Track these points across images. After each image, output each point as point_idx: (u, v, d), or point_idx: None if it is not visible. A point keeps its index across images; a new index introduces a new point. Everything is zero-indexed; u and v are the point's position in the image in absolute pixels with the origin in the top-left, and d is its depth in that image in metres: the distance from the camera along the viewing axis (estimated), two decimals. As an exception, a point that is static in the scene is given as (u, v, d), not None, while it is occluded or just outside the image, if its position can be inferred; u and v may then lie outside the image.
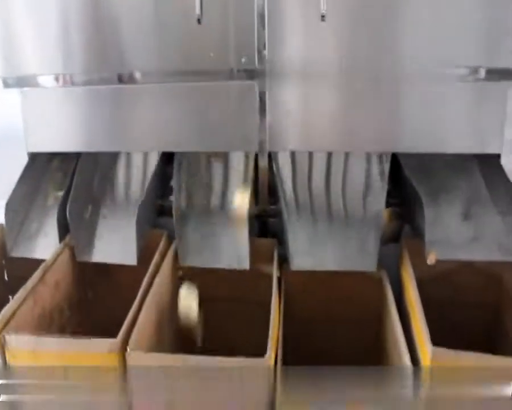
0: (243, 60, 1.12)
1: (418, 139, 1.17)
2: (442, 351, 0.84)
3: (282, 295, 1.07)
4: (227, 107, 1.17)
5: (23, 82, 1.22)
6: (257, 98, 1.14)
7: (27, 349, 0.87)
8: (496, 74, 1.10)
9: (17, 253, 1.19)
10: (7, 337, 0.88)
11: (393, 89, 1.13)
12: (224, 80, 1.14)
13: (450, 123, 1.16)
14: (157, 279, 1.02)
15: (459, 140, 1.17)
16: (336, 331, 1.17)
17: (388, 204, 1.21)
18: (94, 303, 1.19)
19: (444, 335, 0.87)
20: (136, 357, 0.84)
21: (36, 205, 1.26)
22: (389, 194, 1.20)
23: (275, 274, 1.05)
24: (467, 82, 1.11)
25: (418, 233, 1.11)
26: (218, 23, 1.10)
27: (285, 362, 0.96)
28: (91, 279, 1.22)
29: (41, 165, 1.31)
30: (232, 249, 1.10)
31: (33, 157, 1.28)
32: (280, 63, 1.12)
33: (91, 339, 0.87)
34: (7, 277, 1.30)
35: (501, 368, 0.85)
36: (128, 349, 0.84)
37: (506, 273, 1.15)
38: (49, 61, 1.20)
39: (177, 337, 1.12)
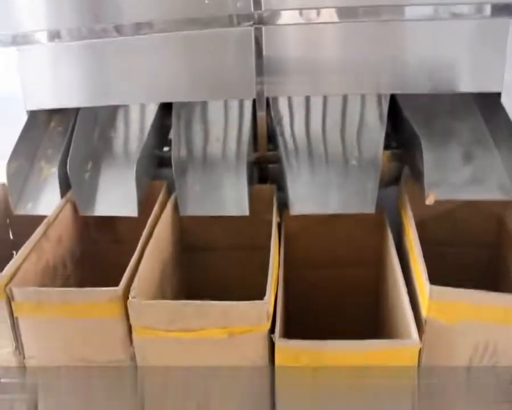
0: (238, 4, 1.09)
1: (417, 79, 1.15)
2: (441, 289, 0.85)
3: (282, 240, 1.08)
4: (223, 54, 1.15)
5: (19, 40, 1.19)
6: (254, 44, 1.12)
7: (32, 301, 0.90)
8: (496, 10, 1.07)
9: (21, 211, 1.20)
10: (13, 290, 0.90)
11: (393, 28, 1.10)
12: (220, 27, 1.11)
13: (450, 62, 1.13)
14: (157, 229, 1.04)
15: (459, 80, 1.15)
16: (337, 275, 1.19)
17: (387, 147, 1.20)
18: (98, 256, 1.21)
19: (445, 275, 0.88)
20: (138, 305, 0.86)
21: (37, 164, 1.27)
22: (388, 136, 1.20)
23: (275, 219, 1.06)
24: (467, 19, 1.08)
25: (417, 175, 1.11)
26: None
27: (286, 307, 0.98)
28: (95, 234, 1.23)
29: (41, 123, 1.31)
30: (232, 196, 1.10)
31: (33, 115, 1.27)
32: (276, 6, 1.09)
33: (93, 288, 0.88)
34: (12, 235, 1.32)
35: (501, 305, 0.86)
36: (130, 297, 0.86)
37: (507, 212, 1.15)
38: (42, 17, 1.17)
39: (181, 288, 1.15)
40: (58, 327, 0.92)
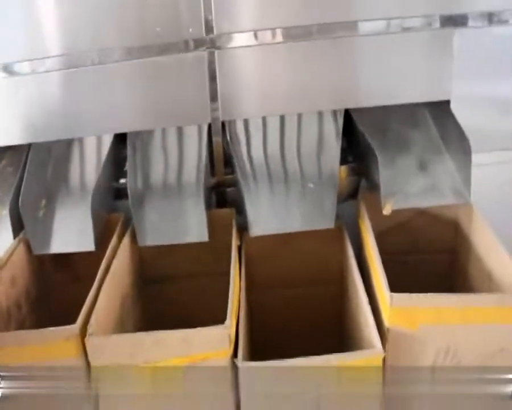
0: (190, 30, 1.10)
1: (370, 93, 1.18)
2: (401, 295, 0.86)
3: (243, 263, 1.07)
4: (176, 81, 1.15)
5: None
6: (207, 68, 1.13)
7: None
8: (442, 22, 1.11)
9: (-28, 254, 1.16)
10: None
11: (346, 44, 1.13)
12: (173, 53, 1.12)
13: (401, 74, 1.16)
14: (114, 262, 1.01)
15: (410, 91, 1.18)
16: (300, 292, 1.19)
17: (345, 161, 1.22)
18: (56, 296, 1.17)
19: (407, 284, 0.89)
20: (96, 342, 0.83)
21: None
22: (345, 151, 1.21)
23: (234, 242, 1.05)
24: (416, 31, 1.12)
25: (374, 187, 1.12)
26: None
27: (251, 329, 0.96)
28: (51, 273, 1.19)
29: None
30: (191, 223, 1.09)
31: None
32: (228, 29, 1.10)
33: (49, 328, 0.85)
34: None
35: (458, 306, 0.87)
36: (87, 335, 0.83)
37: (461, 216, 1.17)
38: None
39: (143, 321, 1.12)
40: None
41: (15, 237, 1.14)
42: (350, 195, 1.23)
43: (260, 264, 1.15)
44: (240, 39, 1.12)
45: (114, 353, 0.83)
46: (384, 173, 1.08)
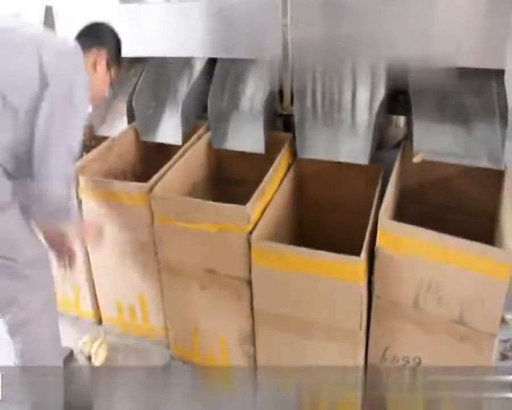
0: None
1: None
2: (389, 222, 1.03)
3: (291, 178, 1.33)
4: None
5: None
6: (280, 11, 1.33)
7: (88, 187, 1.26)
8: None
9: (101, 133, 1.56)
10: (80, 178, 1.26)
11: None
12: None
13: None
14: (189, 152, 1.34)
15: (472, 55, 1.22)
16: (336, 214, 1.42)
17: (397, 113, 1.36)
18: (152, 173, 1.51)
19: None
20: (158, 198, 1.17)
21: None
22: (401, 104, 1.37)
23: (281, 157, 1.30)
24: None
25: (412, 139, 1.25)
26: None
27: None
28: (153, 155, 1.54)
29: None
30: (252, 137, 1.37)
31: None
32: None
33: (129, 182, 1.20)
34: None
35: (441, 244, 0.98)
36: (152, 192, 1.16)
37: (502, 184, 1.19)
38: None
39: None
40: (103, 209, 1.26)
41: (129, 121, 1.52)
42: (398, 144, 1.38)
43: (305, 182, 1.40)
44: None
45: (168, 209, 1.16)
46: (418, 125, 1.21)
